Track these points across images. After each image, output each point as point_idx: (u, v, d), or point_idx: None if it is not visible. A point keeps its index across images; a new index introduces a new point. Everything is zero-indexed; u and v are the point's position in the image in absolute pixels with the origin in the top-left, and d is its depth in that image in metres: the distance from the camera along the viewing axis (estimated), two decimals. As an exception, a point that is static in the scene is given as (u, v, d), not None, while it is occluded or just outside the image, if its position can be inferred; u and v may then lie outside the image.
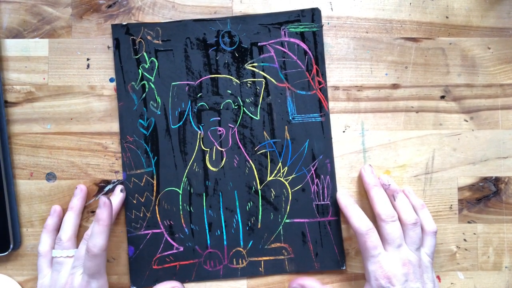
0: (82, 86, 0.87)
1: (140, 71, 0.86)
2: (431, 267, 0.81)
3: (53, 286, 0.79)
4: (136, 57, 0.87)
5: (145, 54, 0.87)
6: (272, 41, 0.87)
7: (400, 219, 0.81)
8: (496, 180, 0.89)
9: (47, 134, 0.87)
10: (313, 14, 0.87)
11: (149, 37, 0.87)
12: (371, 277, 0.78)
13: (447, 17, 0.90)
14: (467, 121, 0.89)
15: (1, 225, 0.84)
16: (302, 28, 0.87)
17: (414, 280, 0.77)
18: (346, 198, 0.85)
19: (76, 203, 0.85)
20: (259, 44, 0.87)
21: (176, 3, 0.88)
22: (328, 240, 0.86)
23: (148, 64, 0.86)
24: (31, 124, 0.87)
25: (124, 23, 0.87)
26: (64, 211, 0.86)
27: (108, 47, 0.87)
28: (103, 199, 0.77)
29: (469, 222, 0.89)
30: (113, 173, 0.87)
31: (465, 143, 0.89)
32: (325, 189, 0.87)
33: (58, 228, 0.85)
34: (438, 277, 0.89)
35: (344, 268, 0.87)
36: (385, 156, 0.89)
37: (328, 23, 0.89)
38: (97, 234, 0.76)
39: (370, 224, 0.80)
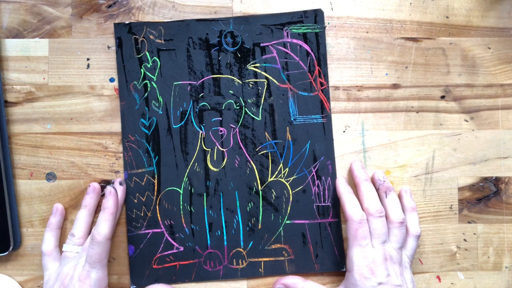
0: (82, 86, 0.87)
1: (142, 70, 0.86)
2: (410, 268, 0.82)
3: (56, 278, 0.80)
4: (138, 56, 0.87)
5: (147, 53, 0.87)
6: (275, 41, 0.87)
7: (387, 217, 0.82)
8: (496, 180, 0.89)
9: (47, 134, 0.87)
10: (316, 15, 0.87)
11: (151, 37, 0.87)
12: (354, 266, 0.78)
13: (447, 17, 0.90)
14: (467, 121, 0.89)
15: (1, 225, 0.84)
16: (305, 29, 0.87)
17: (395, 277, 0.77)
18: (345, 185, 0.85)
19: (90, 201, 0.85)
20: (261, 44, 0.87)
21: (176, 3, 0.88)
22: (328, 241, 0.87)
23: (150, 64, 0.86)
24: (31, 124, 0.87)
25: (127, 22, 0.87)
26: (66, 209, 0.87)
27: (108, 47, 0.87)
28: (108, 188, 0.79)
29: (469, 222, 0.89)
30: (113, 173, 0.87)
31: (465, 143, 0.89)
32: (326, 190, 0.87)
33: (61, 227, 0.86)
34: (438, 277, 0.89)
35: (344, 269, 0.86)
36: (385, 156, 0.89)
37: (329, 23, 0.89)
38: (102, 222, 0.78)
39: (364, 215, 0.80)
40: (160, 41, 0.87)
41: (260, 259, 0.86)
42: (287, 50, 0.87)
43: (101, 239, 0.77)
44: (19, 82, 0.87)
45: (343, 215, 0.87)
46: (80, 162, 0.87)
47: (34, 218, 0.87)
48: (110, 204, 0.79)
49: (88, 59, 0.88)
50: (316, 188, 0.86)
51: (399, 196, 0.87)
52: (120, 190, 0.85)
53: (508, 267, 0.89)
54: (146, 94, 0.86)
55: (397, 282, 0.77)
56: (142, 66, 0.87)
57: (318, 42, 0.87)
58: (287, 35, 0.87)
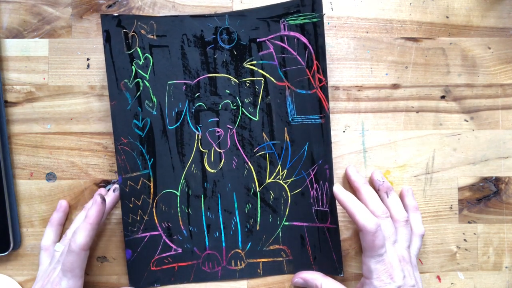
0: (82, 86, 0.85)
1: (133, 67, 0.81)
2: (417, 267, 0.79)
3: (41, 276, 0.78)
4: (129, 52, 0.81)
5: (138, 49, 0.82)
6: (271, 36, 0.83)
7: (391, 217, 0.79)
8: (496, 180, 0.87)
9: (47, 134, 0.85)
10: (314, 3, 0.81)
11: (143, 31, 0.81)
12: (373, 274, 0.74)
13: (447, 17, 0.87)
14: (467, 121, 0.87)
15: (1, 225, 0.82)
16: (302, 19, 0.82)
17: (409, 278, 0.74)
18: (346, 193, 0.80)
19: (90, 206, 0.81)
20: (258, 40, 0.83)
21: (176, 3, 0.85)
22: (326, 246, 0.83)
23: (142, 61, 0.82)
24: (31, 124, 0.85)
25: (116, 14, 0.81)
26: (70, 207, 0.85)
27: None
28: (95, 197, 0.74)
29: (469, 222, 0.87)
30: (113, 173, 0.85)
31: (465, 143, 0.87)
32: (324, 195, 0.83)
33: (62, 223, 0.84)
34: (438, 277, 0.86)
35: (342, 275, 0.83)
36: (385, 156, 0.86)
37: (328, 23, 0.86)
38: (80, 230, 0.73)
39: (378, 221, 0.75)
40: (152, 36, 0.82)
41: (258, 260, 0.84)
42: (284, 45, 0.83)
43: (76, 248, 0.72)
44: (19, 82, 0.85)
45: (342, 217, 0.85)
46: (80, 162, 0.85)
47: (34, 218, 0.85)
48: (92, 213, 0.74)
49: (88, 59, 0.85)
50: (315, 192, 0.83)
51: (401, 196, 0.85)
52: (111, 197, 0.81)
53: (508, 267, 0.87)
54: (138, 94, 0.82)
55: (412, 282, 0.74)
56: (133, 63, 0.82)
57: (316, 33, 0.82)
58: (284, 28, 0.83)
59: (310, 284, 0.80)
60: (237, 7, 0.85)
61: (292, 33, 0.82)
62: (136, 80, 0.81)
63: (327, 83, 0.82)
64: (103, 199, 0.74)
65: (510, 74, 0.87)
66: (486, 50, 0.87)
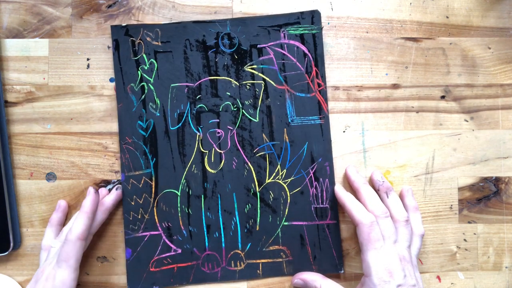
0: (82, 86, 0.85)
1: (139, 72, 0.84)
2: (417, 267, 0.78)
3: (37, 271, 0.77)
4: (136, 58, 0.84)
5: (144, 55, 0.84)
6: (272, 43, 0.85)
7: (391, 217, 0.79)
8: (496, 180, 0.87)
9: (47, 134, 0.85)
10: (313, 17, 0.85)
11: (148, 39, 0.84)
12: (372, 270, 0.74)
13: (447, 17, 0.87)
14: (467, 121, 0.87)
15: (1, 225, 0.82)
16: (302, 30, 0.85)
17: (410, 277, 0.74)
18: (345, 192, 0.82)
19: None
20: (258, 46, 0.85)
21: (176, 3, 0.86)
22: (326, 243, 0.84)
23: (148, 66, 0.84)
24: (31, 124, 0.85)
25: (124, 25, 0.85)
26: (70, 207, 0.84)
27: (108, 47, 0.85)
28: (89, 188, 0.77)
29: (469, 222, 0.86)
30: (113, 173, 0.85)
31: (465, 143, 0.87)
32: (324, 192, 0.84)
33: (61, 223, 0.84)
34: (438, 277, 0.86)
35: (342, 272, 0.84)
36: (385, 156, 0.86)
37: (328, 23, 0.86)
38: (76, 220, 0.75)
39: (374, 217, 0.77)
40: (157, 43, 0.84)
41: (258, 261, 0.84)
42: (284, 52, 0.85)
43: (72, 237, 0.73)
44: (19, 82, 0.85)
45: (342, 216, 0.85)
46: (80, 162, 0.85)
47: (34, 218, 0.85)
48: (86, 203, 0.76)
49: (88, 59, 0.85)
50: (314, 190, 0.84)
51: (401, 196, 0.85)
52: (114, 194, 0.82)
53: (508, 267, 0.87)
54: (143, 96, 0.84)
55: (412, 282, 0.74)
56: (139, 68, 0.84)
57: (315, 43, 0.85)
58: (284, 36, 0.85)
59: (309, 285, 0.80)
60: (237, 7, 0.85)
61: (292, 42, 0.84)
62: (142, 84, 0.84)
63: (326, 87, 0.84)
64: (96, 190, 0.76)
65: (510, 74, 0.87)
66: (486, 50, 0.87)
